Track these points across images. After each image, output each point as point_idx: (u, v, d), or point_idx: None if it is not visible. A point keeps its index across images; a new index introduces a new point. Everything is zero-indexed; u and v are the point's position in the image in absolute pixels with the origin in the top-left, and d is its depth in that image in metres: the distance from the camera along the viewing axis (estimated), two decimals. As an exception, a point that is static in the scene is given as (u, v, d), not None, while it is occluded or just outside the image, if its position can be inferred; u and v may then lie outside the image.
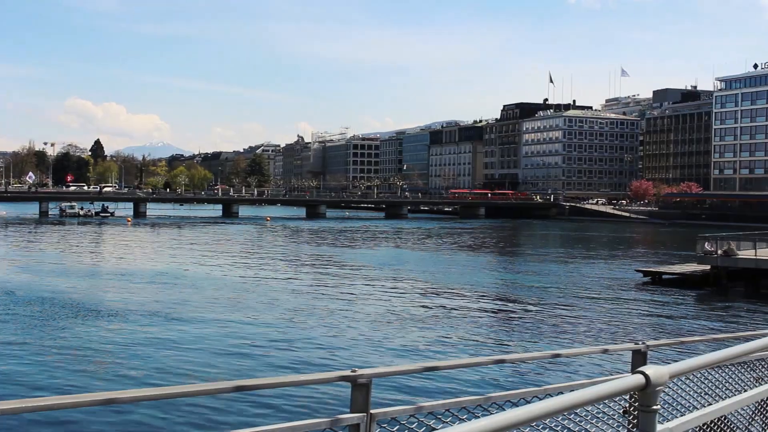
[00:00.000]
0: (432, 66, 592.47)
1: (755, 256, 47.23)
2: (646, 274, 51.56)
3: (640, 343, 7.14)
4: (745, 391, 3.71)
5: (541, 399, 3.12)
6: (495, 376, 20.87)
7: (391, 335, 29.64)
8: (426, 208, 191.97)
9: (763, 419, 8.72)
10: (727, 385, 7.99)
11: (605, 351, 7.93)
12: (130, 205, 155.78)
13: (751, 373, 8.60)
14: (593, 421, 5.91)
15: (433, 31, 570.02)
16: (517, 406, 2.55)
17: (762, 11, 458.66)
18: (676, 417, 2.95)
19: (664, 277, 50.24)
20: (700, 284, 47.42)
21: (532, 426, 5.74)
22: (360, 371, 4.95)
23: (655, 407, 2.63)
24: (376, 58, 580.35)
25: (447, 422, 5.22)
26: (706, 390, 7.63)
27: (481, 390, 15.80)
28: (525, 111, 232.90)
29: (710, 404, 4.74)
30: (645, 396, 2.62)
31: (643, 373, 2.58)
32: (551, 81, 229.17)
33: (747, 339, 4.61)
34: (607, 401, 5.85)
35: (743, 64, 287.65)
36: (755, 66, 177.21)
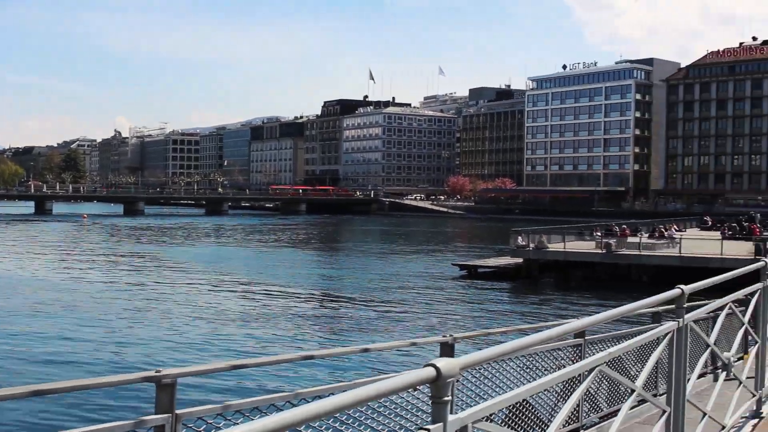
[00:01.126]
0: (253, 61, 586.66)
1: (564, 248, 49.37)
2: (462, 267, 52.81)
3: (448, 335, 7.34)
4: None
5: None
6: (305, 372, 20.86)
7: (204, 334, 29.04)
8: (247, 205, 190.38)
9: (566, 397, 9.14)
10: (531, 372, 8.32)
11: (413, 344, 8.08)
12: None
13: (555, 360, 9.00)
14: (402, 413, 6.09)
15: (254, 26, 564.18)
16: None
17: (571, 14, 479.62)
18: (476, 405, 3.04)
19: (479, 270, 51.60)
20: (514, 276, 49.03)
21: (343, 421, 5.81)
22: (164, 371, 4.83)
23: (446, 398, 2.68)
24: (197, 52, 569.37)
25: (255, 420, 5.17)
26: (512, 378, 7.94)
27: (291, 387, 15.77)
28: (345, 107, 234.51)
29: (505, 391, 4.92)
30: (436, 388, 2.67)
31: (433, 365, 2.63)
32: (372, 78, 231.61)
33: (549, 328, 4.81)
34: (411, 392, 6.06)
35: (554, 64, 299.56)
36: (564, 67, 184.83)
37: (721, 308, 6.22)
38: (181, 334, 28.95)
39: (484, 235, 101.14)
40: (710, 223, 70.37)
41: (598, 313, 4.57)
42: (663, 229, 55.89)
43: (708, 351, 5.79)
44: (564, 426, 9.17)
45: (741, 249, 43.81)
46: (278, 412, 2.27)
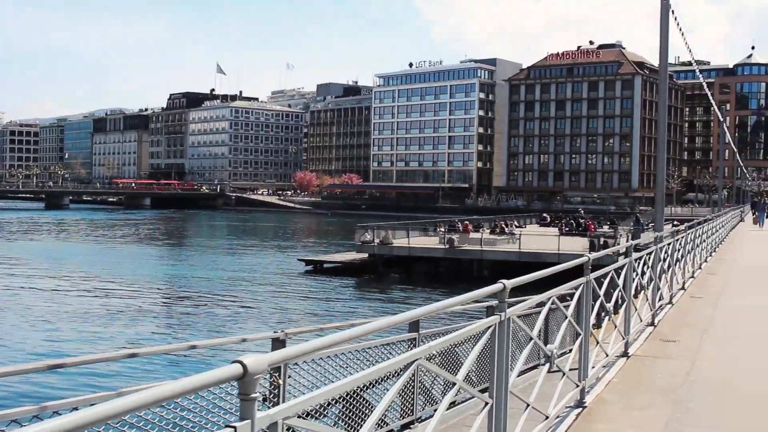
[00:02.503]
0: (97, 50, 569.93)
1: (408, 244, 49.97)
2: (308, 263, 52.78)
3: (279, 331, 7.29)
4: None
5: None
6: (130, 370, 20.31)
7: (28, 334, 28.00)
8: (89, 199, 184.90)
9: (402, 392, 9.24)
10: (368, 364, 8.37)
11: (244, 340, 8.00)
12: None
13: (392, 355, 9.07)
14: (214, 410, 6.03)
15: (98, 14, 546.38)
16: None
17: (419, 12, 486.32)
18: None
19: (325, 265, 51.69)
20: (359, 272, 49.32)
21: (149, 420, 5.67)
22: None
23: (254, 395, 2.63)
24: (35, 40, 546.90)
25: (47, 421, 4.98)
26: (345, 372, 7.96)
27: (114, 385, 15.33)
28: (192, 100, 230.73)
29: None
30: (244, 384, 2.61)
31: (240, 362, 2.58)
32: (220, 71, 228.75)
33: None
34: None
35: (401, 62, 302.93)
36: (411, 64, 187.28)
37: (547, 302, 6.39)
38: (4, 335, 27.75)
39: (331, 231, 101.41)
40: (549, 219, 72.56)
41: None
42: (504, 225, 57.25)
43: (531, 343, 5.92)
44: (400, 418, 9.28)
45: (577, 245, 45.33)
46: (74, 412, 2.16)
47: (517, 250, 46.51)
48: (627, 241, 26.15)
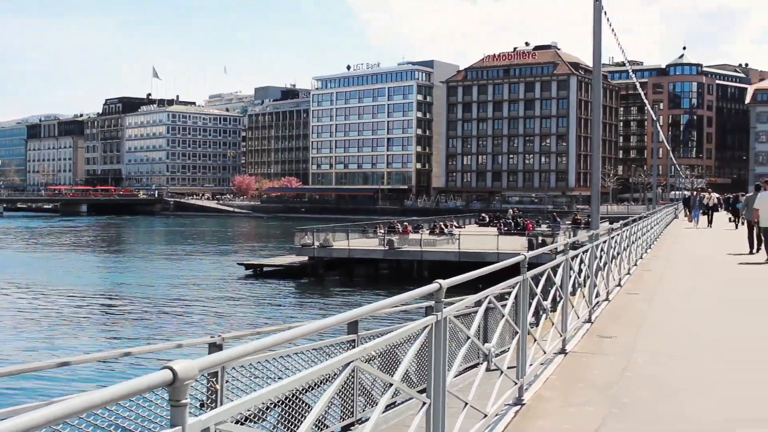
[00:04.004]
0: (29, 56, 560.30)
1: (348, 246, 50.00)
2: (248, 267, 52.46)
3: (217, 336, 7.24)
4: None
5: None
6: (59, 380, 19.89)
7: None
8: (24, 206, 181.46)
9: (341, 394, 9.23)
10: (307, 367, 8.33)
11: (179, 346, 7.91)
12: None
13: (334, 354, 9.05)
14: (150, 417, 5.94)
15: (28, 18, 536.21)
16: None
17: (356, 15, 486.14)
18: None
19: (265, 269, 51.48)
20: (300, 275, 49.21)
21: (81, 428, 5.58)
22: None
23: (185, 401, 2.59)
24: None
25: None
26: (284, 376, 7.91)
27: (45, 395, 15.04)
28: (128, 106, 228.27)
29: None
30: (174, 391, 2.57)
31: (170, 368, 2.54)
32: (156, 76, 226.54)
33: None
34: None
35: (339, 65, 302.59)
36: (348, 67, 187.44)
37: (484, 301, 6.40)
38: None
39: (271, 235, 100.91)
40: (488, 219, 73.15)
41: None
42: (443, 226, 57.58)
43: (469, 342, 5.93)
44: (341, 420, 9.27)
45: (516, 244, 45.73)
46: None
47: (457, 250, 46.84)
48: (566, 239, 26.44)
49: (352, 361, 3.84)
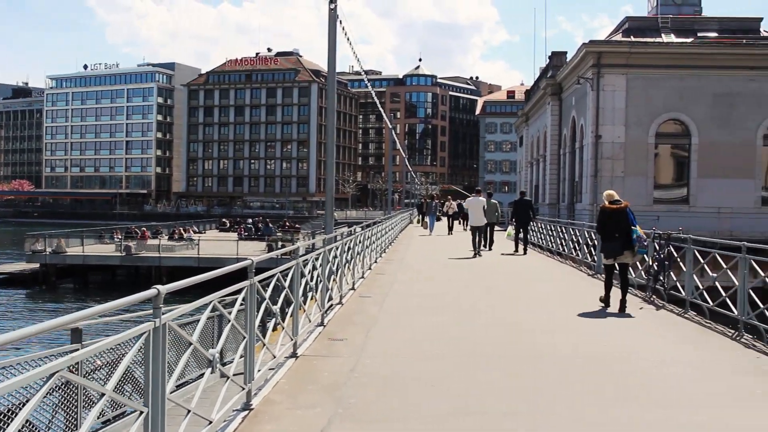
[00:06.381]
0: None
1: (83, 252, 48.23)
2: (-28, 275, 49.43)
3: None
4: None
5: None
6: None
7: None
8: None
9: (64, 407, 8.87)
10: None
11: None
12: None
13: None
14: None
15: None
16: None
17: (92, 13, 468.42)
18: None
19: (-9, 277, 48.73)
20: (30, 283, 46.90)
21: None
22: None
23: None
24: None
25: None
26: None
27: None
28: None
29: None
30: None
31: None
32: None
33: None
34: None
35: (76, 64, 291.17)
36: (86, 66, 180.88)
37: (208, 306, 6.34)
38: None
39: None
40: (228, 224, 72.92)
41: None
42: (182, 231, 56.81)
43: (191, 349, 5.86)
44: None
45: (256, 248, 45.90)
46: None
47: (196, 255, 46.43)
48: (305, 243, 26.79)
49: (57, 371, 3.66)
